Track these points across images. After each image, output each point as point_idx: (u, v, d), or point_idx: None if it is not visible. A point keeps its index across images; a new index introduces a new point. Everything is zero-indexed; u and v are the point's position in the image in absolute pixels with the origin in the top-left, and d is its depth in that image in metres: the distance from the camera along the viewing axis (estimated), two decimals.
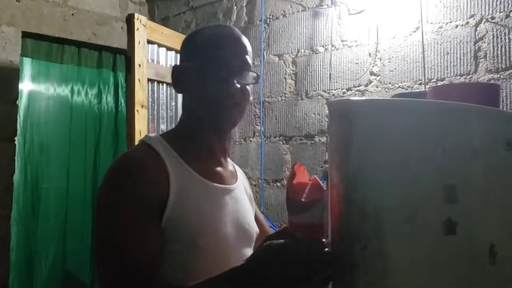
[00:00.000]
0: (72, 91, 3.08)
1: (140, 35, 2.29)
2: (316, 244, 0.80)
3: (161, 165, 0.96)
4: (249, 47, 1.07)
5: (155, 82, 2.47)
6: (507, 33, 1.87)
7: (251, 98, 1.09)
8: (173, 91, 2.61)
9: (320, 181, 0.84)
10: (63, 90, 3.05)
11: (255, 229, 1.13)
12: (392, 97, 1.86)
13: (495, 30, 1.90)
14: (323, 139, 2.44)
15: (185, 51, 1.10)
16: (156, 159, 0.97)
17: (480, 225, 0.73)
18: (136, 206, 0.91)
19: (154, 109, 2.47)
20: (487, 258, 0.72)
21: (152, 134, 1.07)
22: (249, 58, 1.05)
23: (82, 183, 3.06)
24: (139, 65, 2.28)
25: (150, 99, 2.42)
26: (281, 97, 2.65)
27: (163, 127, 2.54)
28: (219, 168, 1.09)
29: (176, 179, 0.96)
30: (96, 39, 3.09)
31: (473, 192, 0.72)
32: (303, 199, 0.82)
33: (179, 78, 1.08)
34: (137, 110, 2.25)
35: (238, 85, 1.02)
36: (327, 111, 2.42)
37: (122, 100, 3.21)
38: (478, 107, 0.78)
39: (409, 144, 0.71)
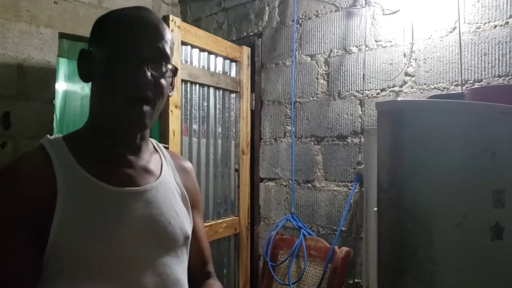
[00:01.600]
0: None
1: (174, 37, 2.31)
2: None
3: (48, 172, 0.86)
4: (168, 35, 0.94)
5: (188, 83, 2.49)
6: None
7: (168, 94, 0.97)
8: (206, 91, 2.63)
9: None
10: None
11: (182, 229, 0.99)
12: (428, 98, 1.83)
13: None
14: (356, 140, 2.42)
15: (92, 34, 0.96)
16: (43, 166, 0.86)
17: None
18: (5, 227, 0.81)
19: (187, 109, 2.50)
20: None
21: (54, 136, 0.95)
22: (166, 47, 0.92)
23: None
24: None
25: (183, 100, 2.45)
26: (312, 97, 2.64)
27: (195, 127, 2.56)
28: (127, 169, 0.95)
29: (65, 187, 0.85)
30: None
31: None
32: None
33: (84, 64, 0.95)
34: (171, 111, 2.28)
35: (150, 77, 0.89)
36: (361, 112, 2.41)
37: None
38: None
39: (460, 147, 0.70)
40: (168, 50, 0.92)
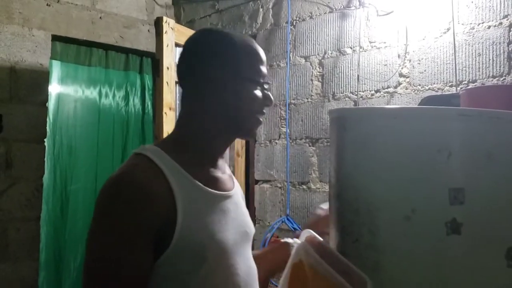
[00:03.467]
0: (100, 94, 3.13)
1: (168, 38, 2.30)
2: None
3: (164, 182, 0.94)
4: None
5: None
6: None
7: None
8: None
9: None
10: (91, 93, 3.10)
11: (252, 229, 1.17)
12: (422, 99, 1.83)
13: None
14: None
15: (224, 52, 1.04)
16: (157, 176, 0.94)
17: (493, 227, 0.74)
18: (133, 231, 0.89)
19: None
20: (504, 262, 0.73)
21: (148, 146, 1.03)
22: None
23: None
24: (167, 68, 2.29)
25: (177, 101, 2.44)
26: (307, 99, 2.64)
27: None
28: (219, 174, 1.08)
29: (181, 195, 0.94)
30: (123, 42, 3.13)
31: (483, 195, 0.74)
32: None
33: (205, 83, 1.03)
34: (165, 113, 2.27)
35: (268, 93, 1.08)
36: None
37: (148, 103, 3.25)
38: (484, 111, 0.80)
39: (409, 148, 0.74)
40: None
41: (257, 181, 2.90)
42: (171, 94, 2.32)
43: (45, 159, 2.80)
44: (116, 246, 0.88)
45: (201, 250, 0.94)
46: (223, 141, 1.09)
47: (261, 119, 1.08)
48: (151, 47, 3.02)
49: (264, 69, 1.07)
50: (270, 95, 1.08)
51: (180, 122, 1.08)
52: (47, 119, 2.84)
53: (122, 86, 3.19)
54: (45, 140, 2.79)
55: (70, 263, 2.92)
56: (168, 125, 2.29)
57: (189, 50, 1.08)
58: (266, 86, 1.07)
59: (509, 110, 1.34)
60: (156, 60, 2.32)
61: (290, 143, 2.70)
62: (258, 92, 1.05)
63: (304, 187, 2.63)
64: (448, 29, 2.08)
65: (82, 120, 3.05)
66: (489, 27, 1.97)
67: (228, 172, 1.15)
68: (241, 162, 2.91)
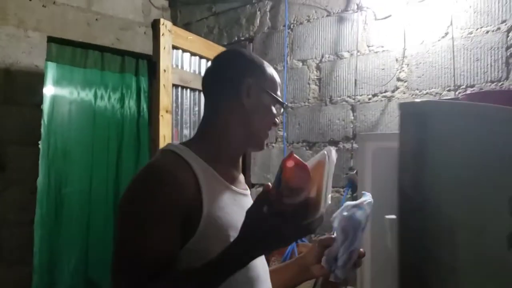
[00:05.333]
0: (95, 96, 3.10)
1: (165, 41, 2.29)
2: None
3: (191, 173, 1.02)
4: None
5: (179, 87, 2.47)
6: None
7: None
8: (197, 96, 2.61)
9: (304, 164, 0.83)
10: (87, 95, 3.07)
11: None
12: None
13: None
14: (348, 146, 2.41)
15: (255, 68, 1.17)
16: (184, 166, 1.02)
17: None
18: (162, 216, 0.96)
19: (178, 114, 2.47)
20: None
21: (175, 142, 1.12)
22: None
23: (104, 188, 3.07)
24: (164, 71, 2.27)
25: (174, 104, 2.42)
26: (304, 102, 2.63)
27: (186, 132, 2.53)
28: (237, 175, 1.18)
29: (206, 185, 1.02)
30: (119, 44, 3.11)
31: None
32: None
33: (232, 93, 1.14)
34: (162, 115, 2.25)
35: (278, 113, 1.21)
36: (352, 117, 2.40)
37: (144, 105, 3.23)
38: None
39: (478, 151, 0.66)
40: None
41: (253, 185, 2.88)
42: (168, 96, 2.30)
43: (39, 162, 2.77)
44: (147, 226, 0.95)
45: (225, 238, 1.00)
46: (241, 146, 1.18)
47: (268, 134, 1.19)
48: (147, 49, 3.01)
49: (279, 92, 1.20)
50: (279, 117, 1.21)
51: (205, 126, 1.18)
52: (42, 122, 2.81)
53: (117, 88, 3.17)
54: (40, 142, 2.76)
55: (64, 267, 2.88)
56: (165, 128, 2.27)
57: (220, 64, 1.21)
58: (284, 106, 1.20)
59: None
60: (153, 62, 2.30)
61: (287, 147, 2.69)
62: (274, 109, 1.17)
63: None
64: (446, 34, 2.08)
65: (77, 122, 3.02)
66: (487, 32, 1.97)
67: (242, 176, 1.24)
68: None
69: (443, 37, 2.09)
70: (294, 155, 0.83)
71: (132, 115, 3.20)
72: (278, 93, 1.19)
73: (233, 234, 1.00)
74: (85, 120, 3.05)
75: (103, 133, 3.10)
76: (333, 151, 0.88)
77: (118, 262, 0.99)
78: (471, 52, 2.01)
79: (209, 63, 2.68)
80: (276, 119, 1.18)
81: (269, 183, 0.86)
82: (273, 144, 2.77)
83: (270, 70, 1.20)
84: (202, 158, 1.07)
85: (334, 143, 2.48)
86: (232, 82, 1.14)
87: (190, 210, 0.98)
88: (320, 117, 2.55)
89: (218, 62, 1.22)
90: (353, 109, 2.40)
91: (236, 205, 1.08)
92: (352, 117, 2.41)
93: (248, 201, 1.15)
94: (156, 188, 0.98)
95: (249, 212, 0.89)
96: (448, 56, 2.07)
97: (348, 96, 2.43)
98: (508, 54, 1.91)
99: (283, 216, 0.82)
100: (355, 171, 2.29)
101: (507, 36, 1.91)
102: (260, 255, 0.99)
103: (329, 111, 2.51)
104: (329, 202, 0.87)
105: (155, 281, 0.93)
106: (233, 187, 1.12)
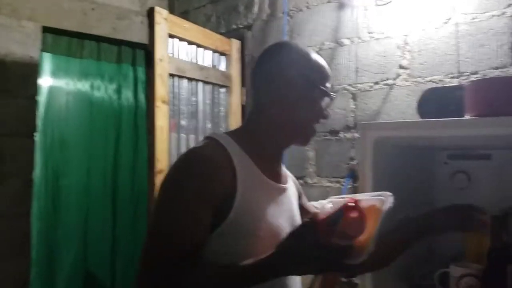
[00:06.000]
0: (92, 86, 3.05)
1: (161, 29, 2.23)
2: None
3: (229, 161, 1.05)
4: None
5: (176, 77, 2.42)
6: None
7: None
8: (194, 86, 2.56)
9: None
10: (83, 85, 3.02)
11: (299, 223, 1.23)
12: (425, 92, 1.77)
13: None
14: (349, 135, 2.36)
15: (295, 67, 1.16)
16: (224, 155, 1.06)
17: None
18: (196, 200, 1.00)
19: (175, 104, 2.42)
20: None
21: (218, 133, 1.18)
22: None
23: (102, 179, 3.03)
24: (160, 60, 2.22)
25: (171, 94, 2.37)
26: None
27: (183, 122, 2.49)
28: (278, 169, 1.21)
29: (242, 176, 1.05)
30: (115, 33, 3.05)
31: None
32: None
33: (281, 87, 1.14)
34: (158, 106, 2.20)
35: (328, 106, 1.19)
36: (353, 106, 2.34)
37: (141, 95, 3.18)
38: None
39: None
40: None
41: None
42: (164, 86, 2.25)
43: (36, 153, 2.73)
44: (182, 210, 0.99)
45: (254, 228, 1.04)
46: (283, 141, 1.20)
47: (315, 129, 1.20)
48: (144, 39, 2.93)
49: (329, 83, 1.18)
50: (329, 111, 1.20)
51: (250, 118, 1.21)
52: (38, 113, 2.76)
53: (114, 78, 3.11)
54: (36, 134, 2.72)
55: (63, 259, 2.86)
56: (162, 119, 2.22)
57: (264, 57, 1.21)
58: (331, 98, 1.19)
59: None
60: (148, 52, 2.25)
61: None
62: (322, 102, 1.16)
63: (301, 181, 2.56)
64: (449, 19, 2.02)
65: (74, 113, 2.97)
66: (492, 16, 1.90)
67: (284, 170, 1.27)
68: None
69: (445, 22, 2.03)
70: (360, 204, 0.84)
71: (130, 106, 3.15)
72: (327, 84, 1.17)
73: (263, 227, 1.06)
74: (82, 111, 3.01)
75: (100, 125, 3.05)
76: (390, 198, 0.89)
77: (152, 244, 1.01)
78: (475, 38, 1.95)
79: (207, 52, 2.65)
80: (324, 112, 1.18)
81: (319, 212, 0.88)
82: None
83: (316, 61, 1.18)
84: (243, 149, 1.10)
85: (334, 132, 2.43)
86: (275, 75, 1.15)
87: (225, 197, 1.02)
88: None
89: (262, 56, 1.22)
90: (354, 97, 2.35)
91: (271, 199, 1.12)
92: (353, 106, 2.35)
93: (286, 196, 1.19)
94: (192, 172, 1.02)
95: (293, 234, 0.90)
96: (451, 42, 2.01)
97: (349, 85, 2.37)
98: None
99: (325, 250, 0.84)
100: (356, 162, 2.25)
101: None
102: (294, 274, 1.02)
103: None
104: (373, 248, 0.88)
105: (185, 269, 0.95)
106: (270, 181, 1.13)
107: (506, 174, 1.69)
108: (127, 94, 3.16)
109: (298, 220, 1.24)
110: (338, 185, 2.40)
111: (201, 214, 1.00)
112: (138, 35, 3.12)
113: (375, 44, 2.27)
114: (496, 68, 1.89)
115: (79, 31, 2.92)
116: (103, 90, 3.08)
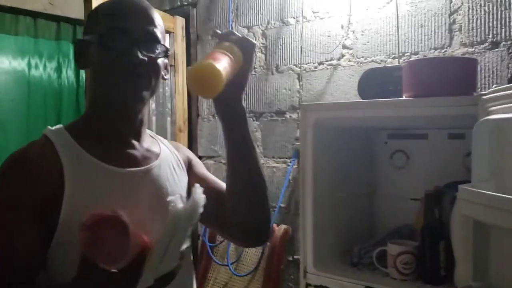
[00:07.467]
0: (29, 65, 2.91)
1: (98, 3, 2.13)
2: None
3: (54, 158, 0.92)
4: (157, 20, 1.00)
5: None
6: (482, 5, 1.80)
7: (163, 73, 1.02)
8: None
9: None
10: (19, 64, 2.88)
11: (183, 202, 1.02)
12: (364, 72, 1.78)
13: (470, 1, 1.83)
14: (294, 116, 2.35)
15: (87, 23, 1.03)
16: (49, 153, 0.92)
17: None
18: (12, 211, 0.88)
19: None
20: None
21: (56, 126, 1.01)
22: (157, 31, 0.98)
23: None
24: None
25: None
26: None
27: None
28: (131, 151, 1.02)
29: (72, 171, 0.92)
30: (53, 9, 2.91)
31: None
32: None
33: (80, 52, 1.00)
34: None
35: (142, 56, 0.94)
36: (298, 86, 2.33)
37: (83, 75, 3.05)
38: None
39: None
40: (158, 33, 0.98)
41: (200, 157, 2.80)
42: None
43: None
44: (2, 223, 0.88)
45: None
46: (112, 117, 1.00)
47: (138, 87, 0.96)
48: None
49: (140, 30, 0.95)
50: (143, 58, 0.93)
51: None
52: None
53: (53, 56, 2.98)
54: None
55: None
56: None
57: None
58: (147, 52, 0.95)
59: (449, 82, 1.30)
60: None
61: None
62: (125, 56, 0.93)
63: None
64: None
65: (10, 94, 2.83)
66: None
67: (149, 149, 1.06)
68: (183, 137, 2.80)
69: (388, 2, 2.04)
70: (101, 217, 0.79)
71: (71, 85, 3.03)
72: (120, 23, 0.94)
73: None
74: (19, 91, 2.87)
75: (39, 105, 2.93)
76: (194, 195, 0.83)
77: None
78: (415, 19, 1.96)
79: None
80: (129, 64, 0.93)
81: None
82: None
83: (105, 9, 0.98)
84: (81, 138, 0.96)
85: (280, 113, 2.41)
86: (83, 44, 1.00)
87: (54, 201, 0.89)
88: (266, 86, 2.48)
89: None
90: (299, 77, 2.33)
91: (119, 189, 0.96)
92: (298, 86, 2.34)
93: (147, 180, 1.01)
94: (7, 181, 0.90)
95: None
96: (392, 23, 2.02)
97: (294, 65, 2.36)
98: (451, 20, 1.87)
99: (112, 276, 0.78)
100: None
101: (451, 2, 1.87)
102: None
103: (275, 80, 2.44)
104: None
105: None
106: (117, 169, 0.96)
107: (441, 153, 1.73)
108: (68, 73, 3.03)
109: (180, 196, 0.97)
110: (284, 165, 2.40)
111: (23, 227, 0.87)
112: (78, 12, 2.96)
113: (320, 24, 2.25)
114: (435, 48, 1.91)
115: (13, 6, 2.76)
116: (41, 69, 2.94)
